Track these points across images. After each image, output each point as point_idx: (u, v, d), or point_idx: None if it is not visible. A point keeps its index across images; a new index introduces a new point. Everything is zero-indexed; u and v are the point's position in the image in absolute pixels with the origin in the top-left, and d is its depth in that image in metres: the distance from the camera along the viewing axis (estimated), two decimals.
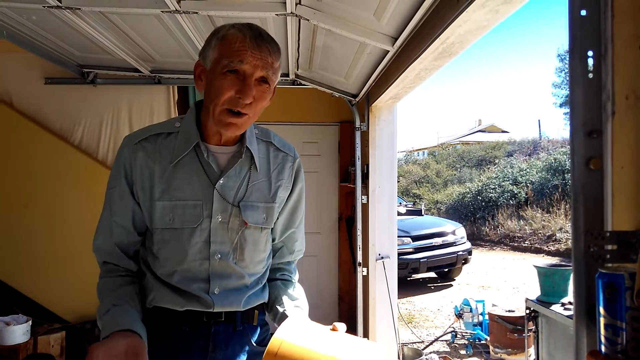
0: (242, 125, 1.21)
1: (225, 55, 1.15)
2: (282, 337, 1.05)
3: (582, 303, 0.84)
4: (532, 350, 3.30)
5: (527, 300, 3.13)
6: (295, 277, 1.46)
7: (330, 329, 1.13)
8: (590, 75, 0.89)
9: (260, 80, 1.17)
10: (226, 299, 1.25)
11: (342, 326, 1.15)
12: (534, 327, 3.10)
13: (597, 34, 0.89)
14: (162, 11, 2.38)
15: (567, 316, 2.71)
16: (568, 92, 0.87)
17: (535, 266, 3.15)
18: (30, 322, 3.26)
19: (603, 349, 0.72)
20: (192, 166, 1.23)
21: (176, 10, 2.35)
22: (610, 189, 0.88)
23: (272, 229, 1.36)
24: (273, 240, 1.39)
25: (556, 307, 2.84)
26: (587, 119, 0.89)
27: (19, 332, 3.16)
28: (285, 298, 1.35)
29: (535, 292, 3.12)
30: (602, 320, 0.72)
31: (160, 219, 1.22)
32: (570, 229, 0.90)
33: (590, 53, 0.89)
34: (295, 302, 1.35)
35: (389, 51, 2.63)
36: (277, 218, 1.36)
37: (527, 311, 3.12)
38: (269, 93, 1.21)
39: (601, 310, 0.73)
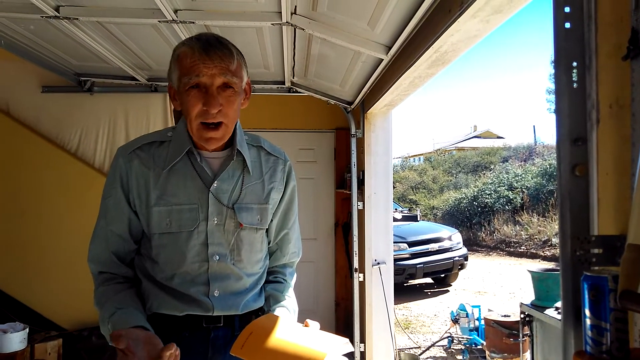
0: (223, 135, 1.23)
1: (182, 74, 1.18)
2: (250, 331, 1.10)
3: (570, 305, 0.87)
4: (527, 355, 3.32)
5: (521, 304, 3.15)
6: (291, 280, 1.49)
7: (303, 325, 1.20)
8: (575, 85, 0.93)
9: (223, 86, 1.19)
10: (225, 303, 1.27)
11: (314, 324, 1.20)
12: (529, 331, 3.12)
13: (582, 45, 0.92)
14: (159, 21, 2.41)
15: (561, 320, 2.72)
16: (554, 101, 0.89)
17: (530, 271, 3.18)
18: (27, 329, 3.25)
19: (589, 349, 0.75)
20: (186, 171, 1.26)
21: (173, 20, 2.38)
22: (595, 194, 0.91)
23: (267, 231, 1.39)
24: (268, 243, 1.42)
25: (550, 312, 2.85)
26: (573, 127, 0.92)
27: (15, 339, 3.15)
28: (272, 299, 1.39)
29: (531, 297, 3.14)
30: (587, 321, 0.75)
31: (157, 224, 1.24)
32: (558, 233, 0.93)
33: (575, 64, 0.92)
34: (282, 302, 1.38)
35: (383, 59, 2.67)
36: (272, 220, 1.38)
37: (522, 316, 3.14)
38: (236, 96, 1.22)
39: (586, 311, 0.75)
